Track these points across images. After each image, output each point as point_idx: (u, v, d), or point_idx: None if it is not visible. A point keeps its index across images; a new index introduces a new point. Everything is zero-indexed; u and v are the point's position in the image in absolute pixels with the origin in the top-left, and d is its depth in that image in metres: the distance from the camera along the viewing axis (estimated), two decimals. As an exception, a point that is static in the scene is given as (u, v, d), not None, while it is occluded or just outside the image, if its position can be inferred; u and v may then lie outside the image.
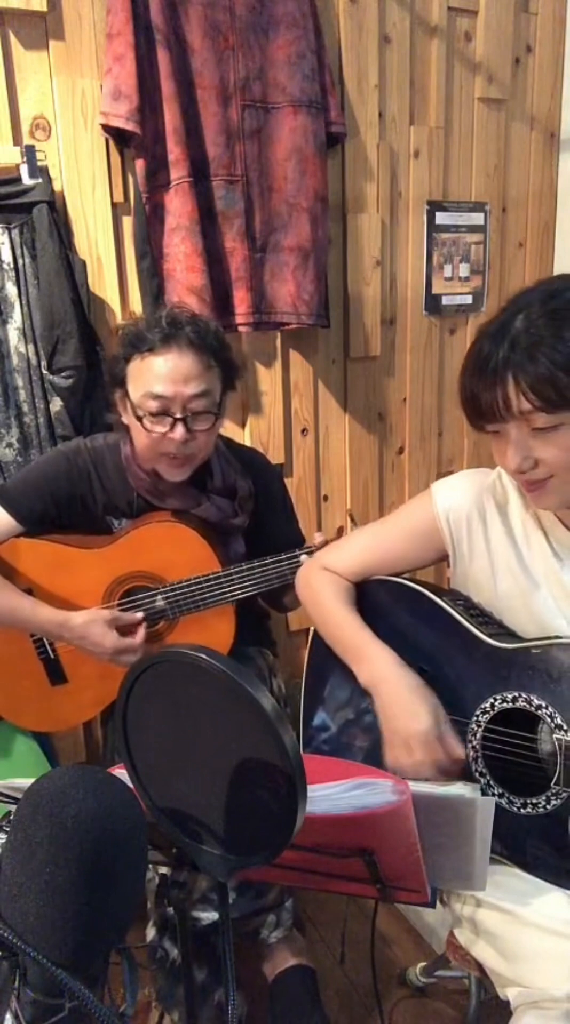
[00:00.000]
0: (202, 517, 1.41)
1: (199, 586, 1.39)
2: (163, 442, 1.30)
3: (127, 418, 1.35)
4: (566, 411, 0.87)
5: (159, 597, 1.40)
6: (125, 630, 1.39)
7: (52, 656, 1.44)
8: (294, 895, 1.47)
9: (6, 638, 1.41)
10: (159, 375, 1.27)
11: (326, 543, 1.37)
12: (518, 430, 0.91)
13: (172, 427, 1.29)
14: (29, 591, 1.39)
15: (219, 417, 1.34)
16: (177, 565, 1.39)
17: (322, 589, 1.17)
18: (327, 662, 1.18)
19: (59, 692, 1.46)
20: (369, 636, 1.09)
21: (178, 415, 1.28)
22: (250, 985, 1.46)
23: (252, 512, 1.48)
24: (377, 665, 1.06)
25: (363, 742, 1.16)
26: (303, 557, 1.36)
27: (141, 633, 1.39)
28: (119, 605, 1.42)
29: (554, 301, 0.89)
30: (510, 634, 1.05)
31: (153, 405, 1.28)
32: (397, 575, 1.16)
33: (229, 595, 1.40)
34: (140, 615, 1.39)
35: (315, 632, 1.23)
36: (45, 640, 1.43)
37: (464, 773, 1.02)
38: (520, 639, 1.03)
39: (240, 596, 1.40)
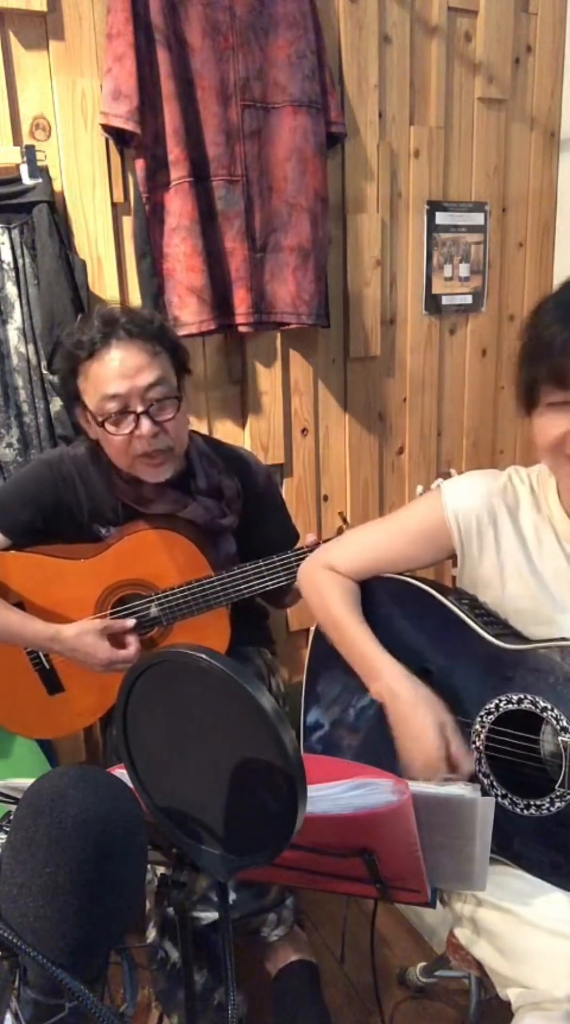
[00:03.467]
0: (189, 520, 1.39)
1: (192, 592, 1.38)
2: (133, 443, 1.27)
3: (92, 431, 1.32)
4: None
5: (152, 605, 1.39)
6: (117, 639, 1.38)
7: (48, 666, 1.44)
8: (295, 893, 1.47)
9: (1, 650, 1.41)
10: (108, 375, 1.24)
11: (318, 544, 1.36)
12: None
13: (137, 424, 1.25)
14: (19, 605, 1.38)
15: (181, 401, 1.30)
16: (168, 571, 1.39)
17: (328, 591, 1.16)
18: (328, 660, 1.18)
19: (57, 701, 1.46)
20: (376, 649, 1.09)
21: (139, 409, 1.25)
22: (251, 984, 1.46)
23: (241, 511, 1.46)
24: (385, 681, 1.06)
25: (363, 738, 1.16)
26: (295, 558, 1.35)
27: (134, 644, 1.38)
28: (112, 615, 1.41)
29: None
30: (515, 634, 1.05)
31: (112, 406, 1.25)
32: (402, 573, 1.16)
33: (222, 599, 1.39)
34: (131, 622, 1.38)
35: (316, 630, 1.23)
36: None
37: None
38: (526, 640, 1.03)
39: (234, 599, 1.39)
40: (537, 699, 0.97)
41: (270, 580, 1.39)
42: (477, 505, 1.07)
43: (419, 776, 1.00)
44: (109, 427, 1.26)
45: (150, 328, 1.27)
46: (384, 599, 1.16)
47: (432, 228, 2.13)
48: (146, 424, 1.25)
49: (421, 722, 1.01)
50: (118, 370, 1.24)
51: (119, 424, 1.26)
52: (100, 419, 1.26)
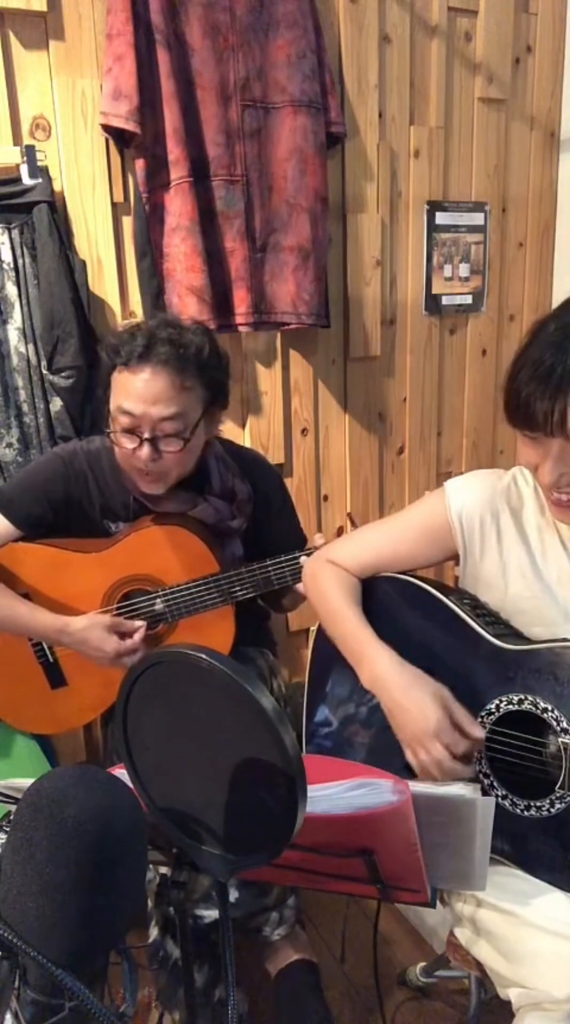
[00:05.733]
0: (199, 519, 1.40)
1: (198, 589, 1.38)
2: (133, 457, 1.29)
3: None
4: None
5: (158, 600, 1.40)
6: (124, 635, 1.38)
7: (52, 660, 1.44)
8: (297, 893, 1.47)
9: (5, 642, 1.41)
10: (130, 392, 1.25)
11: (327, 544, 1.37)
12: (562, 446, 0.89)
13: (139, 445, 1.27)
14: (27, 596, 1.39)
15: (189, 441, 1.30)
16: (175, 568, 1.39)
17: (328, 584, 1.16)
18: (330, 658, 1.18)
19: (59, 695, 1.46)
20: (369, 636, 1.09)
21: (146, 435, 1.26)
22: (252, 983, 1.46)
23: (251, 514, 1.47)
24: (377, 666, 1.05)
25: (366, 738, 1.16)
26: (303, 559, 1.35)
27: (140, 635, 1.38)
28: (118, 609, 1.41)
29: None
30: (517, 635, 1.05)
31: (124, 421, 1.27)
32: (404, 573, 1.16)
33: (229, 597, 1.39)
34: (140, 623, 1.39)
35: (318, 628, 1.22)
36: (44, 644, 1.43)
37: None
38: (527, 640, 1.03)
39: (239, 598, 1.40)
40: (537, 700, 0.97)
41: (276, 580, 1.39)
42: (480, 505, 1.07)
43: (431, 760, 0.98)
44: (115, 436, 1.29)
45: (191, 360, 1.26)
46: (386, 598, 1.16)
47: (432, 228, 2.13)
48: (146, 449, 1.27)
49: (418, 699, 0.99)
50: (140, 392, 1.25)
51: (124, 439, 1.28)
52: (113, 427, 1.29)
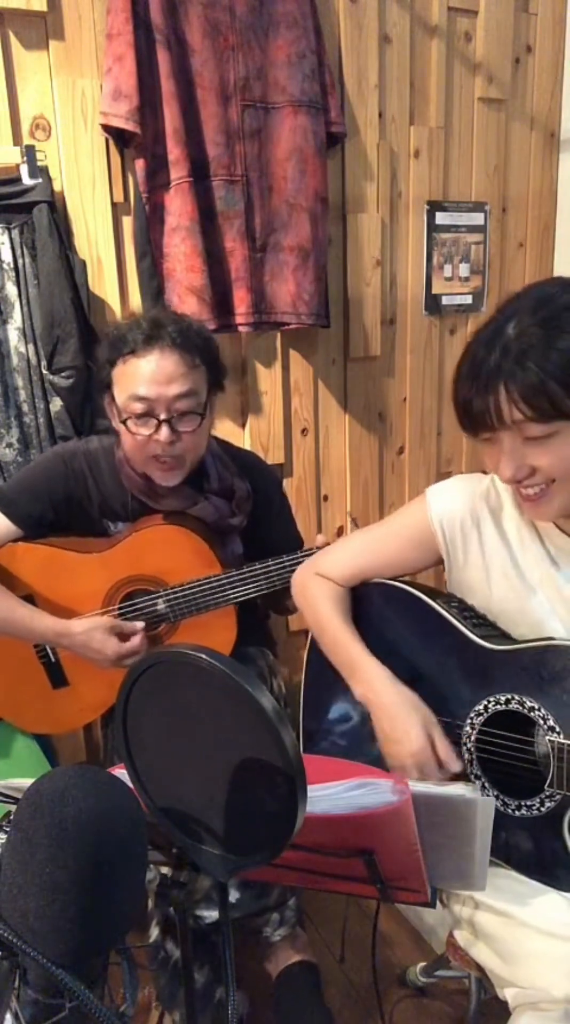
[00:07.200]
0: (199, 517, 1.40)
1: (200, 589, 1.38)
2: (149, 445, 1.29)
3: (115, 422, 1.34)
4: (560, 420, 0.86)
5: (160, 601, 1.40)
6: (125, 636, 1.38)
7: (53, 660, 1.44)
8: (298, 894, 1.47)
9: (7, 642, 1.41)
10: (142, 377, 1.26)
11: (328, 544, 1.37)
12: (511, 439, 0.90)
13: (157, 429, 1.28)
14: (28, 597, 1.38)
15: (205, 418, 1.33)
16: (177, 568, 1.39)
17: (317, 598, 1.17)
18: (326, 664, 1.18)
19: (60, 695, 1.46)
20: (360, 650, 1.10)
21: (162, 416, 1.27)
22: (253, 984, 1.46)
23: (249, 513, 1.47)
24: (369, 683, 1.07)
25: (360, 741, 1.16)
26: (305, 559, 1.36)
27: (141, 638, 1.38)
28: (119, 609, 1.41)
29: (545, 308, 0.87)
30: (504, 636, 1.05)
31: (137, 407, 1.27)
32: (393, 578, 1.16)
33: (230, 598, 1.39)
34: (140, 624, 1.39)
35: (311, 636, 1.23)
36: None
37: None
38: (514, 641, 1.03)
39: (241, 598, 1.40)
40: (525, 699, 0.97)
41: (278, 579, 1.39)
42: (460, 509, 1.08)
43: (410, 776, 1.00)
44: (130, 425, 1.29)
45: (195, 341, 1.30)
46: (375, 604, 1.16)
47: (432, 228, 2.13)
48: (165, 431, 1.28)
49: (405, 722, 1.01)
50: (152, 374, 1.26)
51: (140, 425, 1.28)
52: (124, 416, 1.29)
